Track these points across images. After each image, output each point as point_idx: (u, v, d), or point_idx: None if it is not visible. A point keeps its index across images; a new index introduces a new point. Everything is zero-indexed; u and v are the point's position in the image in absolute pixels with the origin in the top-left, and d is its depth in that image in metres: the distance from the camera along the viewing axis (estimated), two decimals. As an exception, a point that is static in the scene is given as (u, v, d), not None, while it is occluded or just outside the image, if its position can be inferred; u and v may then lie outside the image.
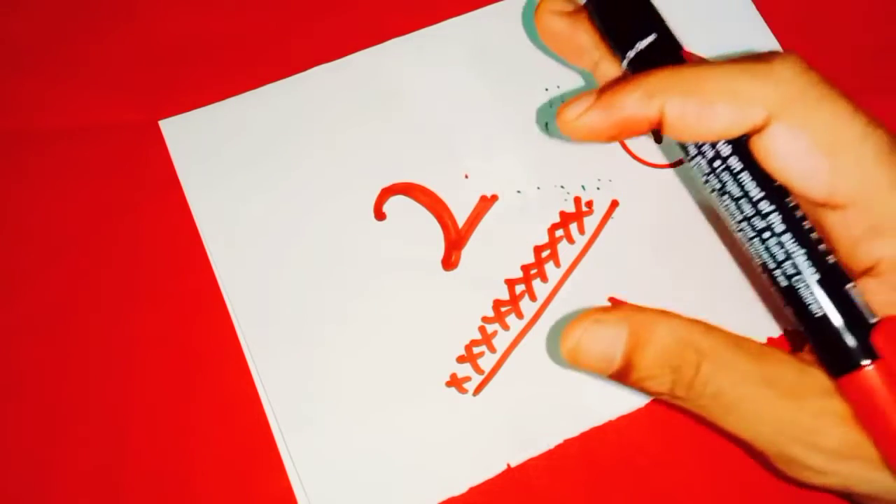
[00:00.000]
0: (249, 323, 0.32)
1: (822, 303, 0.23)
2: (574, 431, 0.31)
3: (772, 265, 0.24)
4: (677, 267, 0.33)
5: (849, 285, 0.23)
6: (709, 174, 0.24)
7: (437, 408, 0.31)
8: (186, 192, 0.33)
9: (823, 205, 0.23)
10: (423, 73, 0.35)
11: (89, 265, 0.33)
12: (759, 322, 0.32)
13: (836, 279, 0.23)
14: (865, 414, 0.23)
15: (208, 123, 0.34)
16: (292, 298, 0.32)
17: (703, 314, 0.32)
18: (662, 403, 0.31)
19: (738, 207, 0.24)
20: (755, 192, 0.24)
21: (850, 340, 0.23)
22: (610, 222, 0.33)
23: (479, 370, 0.31)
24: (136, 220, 0.33)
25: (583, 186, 0.34)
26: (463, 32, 0.36)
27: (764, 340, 0.32)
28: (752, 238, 0.24)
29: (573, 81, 0.35)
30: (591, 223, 0.33)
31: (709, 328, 0.24)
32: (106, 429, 0.31)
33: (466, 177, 0.34)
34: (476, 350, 0.32)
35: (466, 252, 0.33)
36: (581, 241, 0.33)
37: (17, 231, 0.33)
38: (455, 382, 0.31)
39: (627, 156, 0.34)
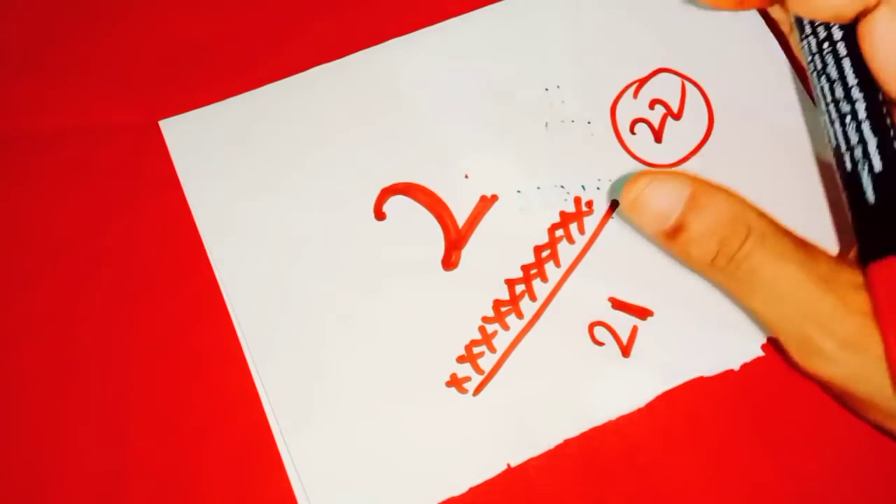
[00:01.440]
0: (249, 323, 0.32)
1: (878, 191, 0.25)
2: (574, 431, 0.31)
3: (843, 148, 0.26)
4: (677, 267, 0.33)
5: None
6: (815, 54, 0.26)
7: (437, 408, 0.31)
8: (186, 192, 0.33)
9: None
10: (422, 73, 0.35)
11: (89, 265, 0.33)
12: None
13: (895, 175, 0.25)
14: (883, 305, 0.24)
15: (208, 123, 0.34)
16: (292, 298, 0.32)
17: (703, 313, 0.32)
18: (665, 402, 0.31)
19: (832, 89, 0.26)
20: (851, 78, 0.25)
21: (894, 231, 0.24)
22: (610, 222, 0.33)
23: (479, 370, 0.31)
24: (136, 221, 0.33)
25: (583, 186, 0.34)
26: (463, 32, 0.36)
27: (764, 340, 0.32)
28: (833, 120, 0.26)
29: (573, 81, 0.35)
30: (591, 223, 0.33)
31: (761, 212, 0.26)
32: (106, 429, 0.31)
33: (466, 177, 0.34)
34: (476, 350, 0.32)
35: (466, 252, 0.33)
36: (581, 241, 0.33)
37: (17, 231, 0.33)
38: (455, 382, 0.31)
39: (628, 155, 0.34)
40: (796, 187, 0.34)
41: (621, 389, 0.31)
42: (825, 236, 0.33)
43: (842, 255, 0.31)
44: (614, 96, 0.35)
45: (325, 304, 0.32)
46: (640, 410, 0.31)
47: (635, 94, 0.35)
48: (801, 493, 0.30)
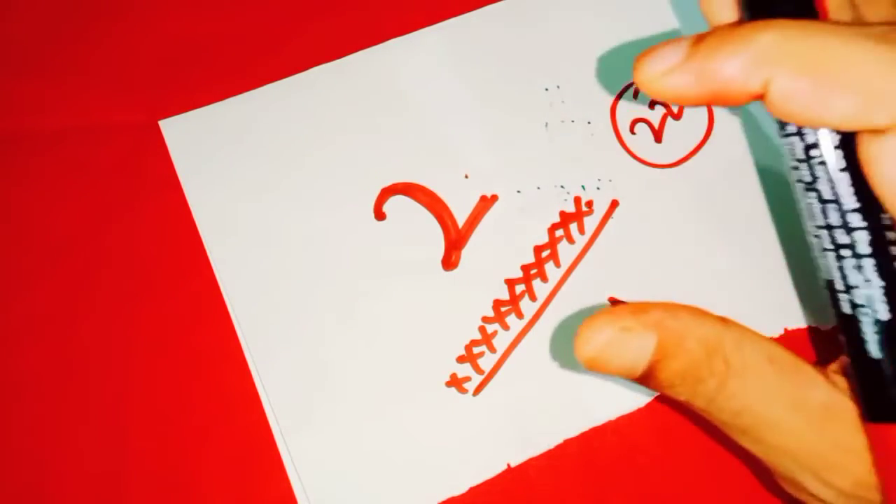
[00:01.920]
0: (249, 323, 0.32)
1: (883, 345, 0.20)
2: (574, 431, 0.31)
3: (840, 286, 0.21)
4: (677, 267, 0.33)
5: None
6: (801, 162, 0.20)
7: (437, 408, 0.31)
8: (186, 192, 0.33)
9: None
10: (422, 73, 0.35)
11: (89, 265, 0.33)
12: (758, 322, 0.32)
13: None
14: (885, 471, 0.21)
15: (208, 123, 0.34)
16: (292, 298, 0.32)
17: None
18: (666, 403, 0.31)
19: (823, 212, 0.20)
20: (849, 201, 0.20)
21: None
22: (610, 222, 0.33)
23: (479, 370, 0.31)
24: (136, 221, 0.33)
25: (583, 186, 0.34)
26: (463, 32, 0.36)
27: (764, 340, 0.32)
28: (827, 250, 0.20)
29: (573, 81, 0.35)
30: (591, 223, 0.33)
31: (742, 336, 0.22)
32: (106, 429, 0.31)
33: (466, 177, 0.34)
34: (476, 350, 0.32)
35: (466, 252, 0.33)
36: (581, 241, 0.33)
37: (17, 231, 0.33)
38: (455, 382, 0.31)
39: (627, 156, 0.34)
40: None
41: (621, 390, 0.31)
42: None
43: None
44: (614, 96, 0.35)
45: (325, 304, 0.32)
46: (639, 410, 0.31)
47: (635, 94, 0.35)
48: (801, 493, 0.30)
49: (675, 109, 0.35)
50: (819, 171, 0.20)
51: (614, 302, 0.32)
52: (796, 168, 0.20)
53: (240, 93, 0.35)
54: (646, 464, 0.31)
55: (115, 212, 0.33)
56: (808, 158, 0.20)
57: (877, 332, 0.20)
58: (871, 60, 0.18)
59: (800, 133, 0.20)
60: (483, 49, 0.36)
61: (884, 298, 0.20)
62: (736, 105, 0.20)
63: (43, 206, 0.34)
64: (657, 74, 0.19)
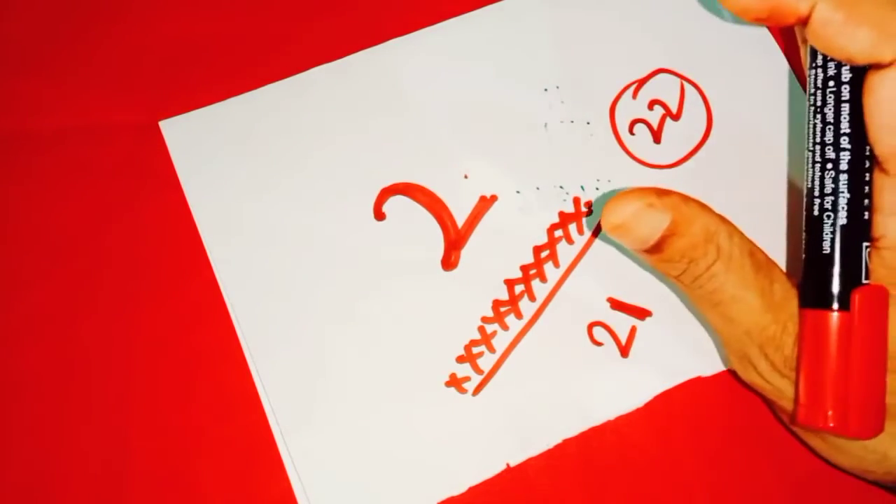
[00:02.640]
0: (249, 323, 0.32)
1: (834, 244, 0.26)
2: (573, 431, 0.31)
3: (816, 192, 0.26)
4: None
5: (866, 244, 0.26)
6: (818, 89, 0.26)
7: (436, 408, 0.31)
8: (186, 192, 0.33)
9: (885, 163, 0.25)
10: (422, 74, 0.35)
11: (89, 265, 0.33)
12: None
13: (858, 233, 0.25)
14: (805, 352, 0.26)
15: (208, 123, 0.34)
16: (292, 298, 0.32)
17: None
18: (665, 403, 0.31)
19: (823, 131, 0.26)
20: (845, 125, 0.25)
21: (836, 286, 0.26)
22: (609, 223, 0.33)
23: (478, 370, 0.31)
24: (136, 221, 0.33)
25: (582, 187, 0.34)
26: (463, 32, 0.36)
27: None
28: (816, 162, 0.26)
29: (573, 81, 0.35)
30: (590, 224, 0.33)
31: (732, 232, 0.27)
32: (106, 429, 0.31)
33: (466, 177, 0.34)
34: (475, 350, 0.32)
35: (466, 252, 0.33)
36: (580, 241, 0.33)
37: (18, 231, 0.33)
38: (454, 382, 0.31)
39: (626, 156, 0.34)
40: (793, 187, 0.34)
41: (620, 390, 0.31)
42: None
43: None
44: (613, 97, 0.35)
45: (324, 304, 0.32)
46: (638, 411, 0.31)
47: (634, 95, 0.35)
48: (799, 492, 0.31)
49: (673, 110, 0.35)
50: (829, 98, 0.25)
51: (613, 302, 0.32)
52: (812, 93, 0.26)
53: (240, 93, 0.35)
54: (644, 464, 0.31)
55: (115, 212, 0.33)
56: (825, 87, 0.25)
57: (832, 234, 0.26)
58: (889, 5, 0.24)
59: (824, 65, 0.25)
60: (483, 49, 0.36)
61: (846, 207, 0.25)
62: (785, 25, 0.25)
63: (43, 206, 0.34)
64: None
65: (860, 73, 0.25)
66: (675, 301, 0.32)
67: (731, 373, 0.32)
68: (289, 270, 0.32)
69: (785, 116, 0.35)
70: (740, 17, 0.26)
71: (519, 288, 0.33)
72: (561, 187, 0.34)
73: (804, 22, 0.25)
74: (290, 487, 0.30)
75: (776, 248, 0.32)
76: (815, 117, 0.26)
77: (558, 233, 0.33)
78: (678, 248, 0.26)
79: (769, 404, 0.31)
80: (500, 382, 0.31)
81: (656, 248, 0.27)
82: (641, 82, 0.35)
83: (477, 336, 0.32)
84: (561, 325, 0.32)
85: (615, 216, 0.26)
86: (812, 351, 0.26)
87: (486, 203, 0.34)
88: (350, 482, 0.30)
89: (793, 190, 0.33)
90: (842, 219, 0.25)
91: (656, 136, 0.35)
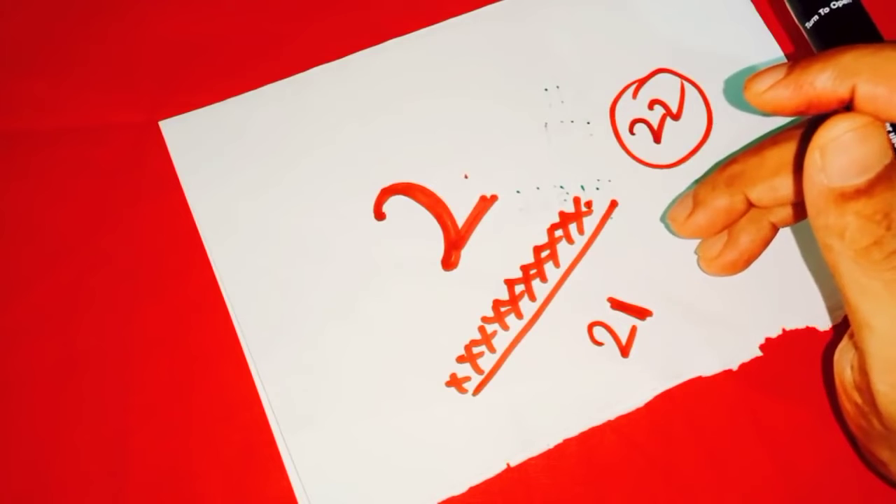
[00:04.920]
0: (249, 323, 0.32)
1: None
2: (573, 431, 0.31)
3: None
4: (676, 267, 0.33)
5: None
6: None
7: (436, 407, 0.31)
8: (186, 192, 0.33)
9: None
10: (422, 74, 0.35)
11: (89, 265, 0.33)
12: (756, 321, 0.32)
13: None
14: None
15: (208, 123, 0.34)
16: (292, 298, 0.32)
17: (702, 313, 0.32)
18: (665, 403, 0.31)
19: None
20: None
21: None
22: (609, 222, 0.33)
23: (478, 370, 0.31)
24: (136, 221, 0.33)
25: (582, 186, 0.34)
26: (463, 33, 0.36)
27: (762, 340, 0.32)
28: None
29: (573, 81, 0.35)
30: (590, 223, 0.33)
31: None
32: (105, 429, 0.31)
33: (466, 177, 0.34)
34: (476, 350, 0.32)
35: (466, 252, 0.33)
36: (580, 241, 0.33)
37: (18, 231, 0.33)
38: (455, 382, 0.31)
39: (627, 156, 0.34)
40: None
41: (620, 389, 0.31)
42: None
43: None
44: (613, 97, 0.35)
45: (324, 304, 0.32)
46: (638, 410, 0.31)
47: (634, 95, 0.35)
48: (799, 492, 0.30)
49: (674, 110, 0.35)
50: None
51: (613, 302, 0.32)
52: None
53: (240, 93, 0.35)
54: (645, 464, 0.31)
55: (115, 212, 0.33)
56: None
57: None
58: None
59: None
60: (483, 49, 0.36)
61: None
62: (827, 111, 0.24)
63: (43, 205, 0.34)
64: (763, 90, 0.24)
65: None
66: (675, 301, 0.32)
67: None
68: (288, 270, 0.32)
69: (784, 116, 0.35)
70: (777, 114, 0.25)
71: (519, 288, 0.33)
72: (561, 187, 0.34)
73: (850, 103, 0.23)
74: (290, 487, 0.30)
75: (776, 248, 0.32)
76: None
77: (558, 232, 0.33)
78: (888, 202, 0.21)
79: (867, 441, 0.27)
80: (501, 382, 0.31)
81: (858, 194, 0.22)
82: (641, 82, 0.35)
83: (477, 336, 0.32)
84: (561, 324, 0.32)
85: (833, 130, 0.22)
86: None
87: (486, 203, 0.34)
88: (350, 482, 0.30)
89: None
90: None
91: (656, 136, 0.35)
